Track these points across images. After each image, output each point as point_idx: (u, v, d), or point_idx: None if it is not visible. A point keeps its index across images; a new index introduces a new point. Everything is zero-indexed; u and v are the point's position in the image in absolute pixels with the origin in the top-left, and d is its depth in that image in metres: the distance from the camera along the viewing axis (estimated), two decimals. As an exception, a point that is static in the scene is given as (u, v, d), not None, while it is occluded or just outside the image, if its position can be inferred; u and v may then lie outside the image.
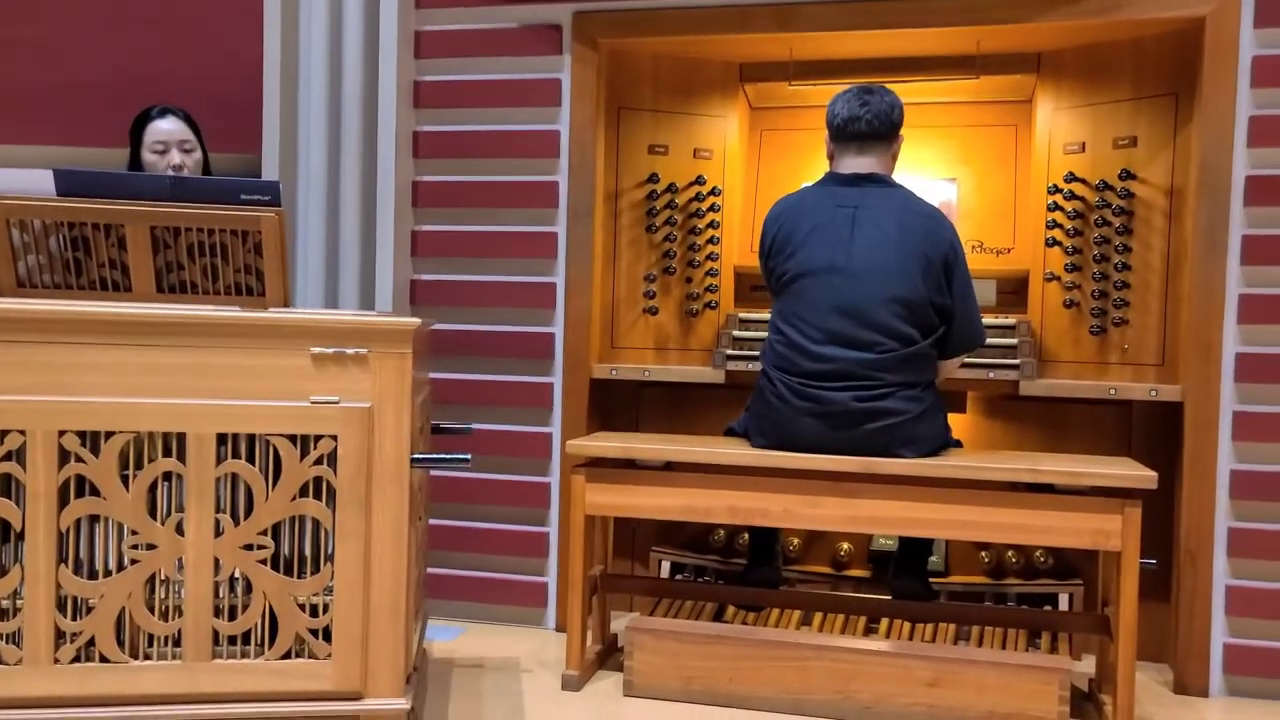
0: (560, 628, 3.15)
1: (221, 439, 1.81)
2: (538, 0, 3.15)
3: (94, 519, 1.81)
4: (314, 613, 1.85)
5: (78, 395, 1.77)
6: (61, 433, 1.76)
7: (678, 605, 3.02)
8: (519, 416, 3.20)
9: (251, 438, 1.82)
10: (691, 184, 3.28)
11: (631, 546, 3.37)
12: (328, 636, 1.85)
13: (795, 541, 3.33)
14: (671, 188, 3.28)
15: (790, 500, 2.48)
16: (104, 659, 1.78)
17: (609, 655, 2.86)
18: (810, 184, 2.69)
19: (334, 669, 1.84)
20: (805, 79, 3.25)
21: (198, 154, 2.79)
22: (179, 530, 1.80)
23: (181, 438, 1.80)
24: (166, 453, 1.80)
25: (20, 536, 1.76)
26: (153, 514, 1.81)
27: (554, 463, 3.17)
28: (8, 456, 1.75)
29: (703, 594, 2.91)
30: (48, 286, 2.29)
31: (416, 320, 1.87)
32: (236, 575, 1.84)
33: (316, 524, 1.87)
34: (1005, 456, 2.56)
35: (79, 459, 1.77)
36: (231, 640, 1.84)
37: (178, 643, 1.81)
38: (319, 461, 1.84)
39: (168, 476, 1.82)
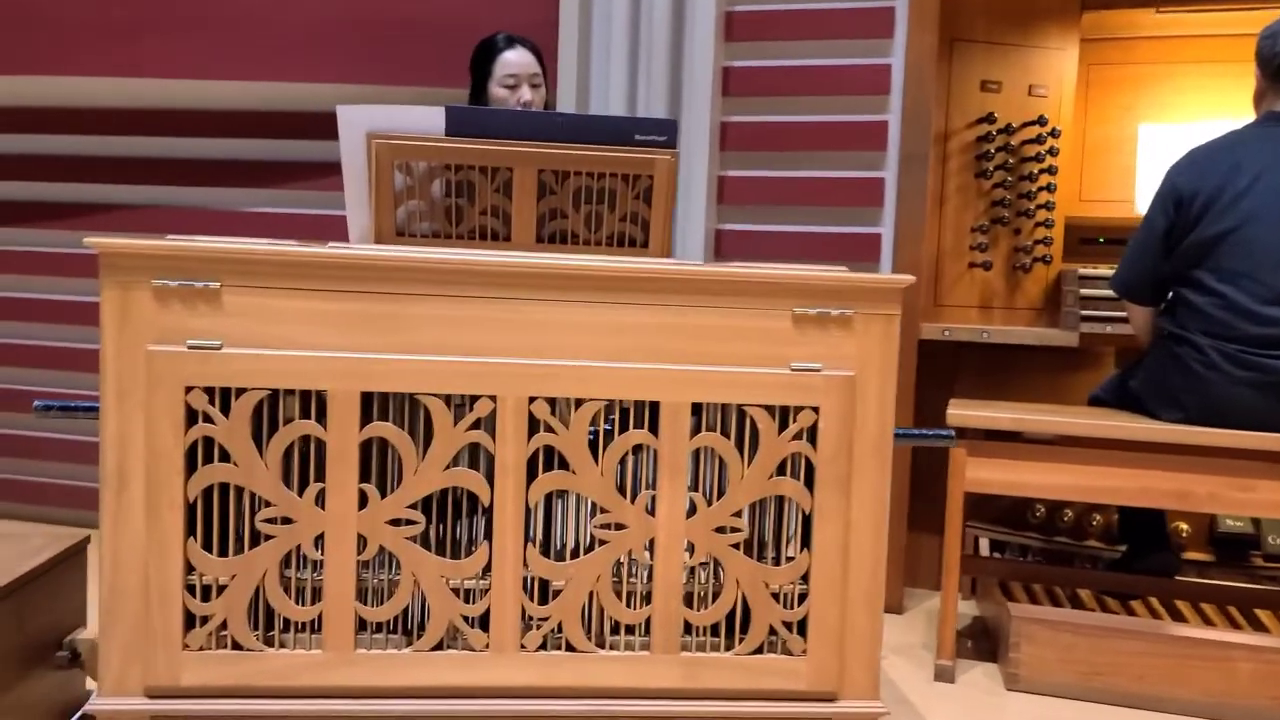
0: (890, 609, 2.94)
1: (694, 409, 1.62)
2: (872, -81, 2.86)
3: (555, 495, 1.64)
4: (786, 603, 1.66)
5: (549, 358, 1.59)
6: (531, 399, 1.58)
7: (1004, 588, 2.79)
8: (836, 378, 2.96)
9: (725, 408, 1.63)
10: (1028, 124, 2.97)
11: (937, 520, 3.14)
12: (801, 630, 1.66)
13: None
14: (1007, 128, 2.97)
15: (1217, 482, 2.20)
16: (570, 647, 1.62)
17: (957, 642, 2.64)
18: (1237, 128, 2.36)
19: (809, 666, 1.65)
20: (1174, 5, 2.90)
21: (544, 90, 2.59)
22: (649, 509, 1.62)
23: (654, 406, 1.61)
24: (637, 423, 1.62)
25: (487, 512, 1.60)
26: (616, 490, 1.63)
27: (875, 428, 2.94)
28: (476, 424, 1.58)
29: (1075, 580, 2.66)
30: (425, 235, 2.13)
31: (909, 277, 1.64)
32: (705, 560, 1.65)
33: (784, 505, 1.67)
34: None
35: (548, 428, 1.59)
36: (697, 631, 1.66)
37: (638, 631, 1.65)
38: (798, 436, 1.63)
39: (635, 449, 1.63)
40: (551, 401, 1.60)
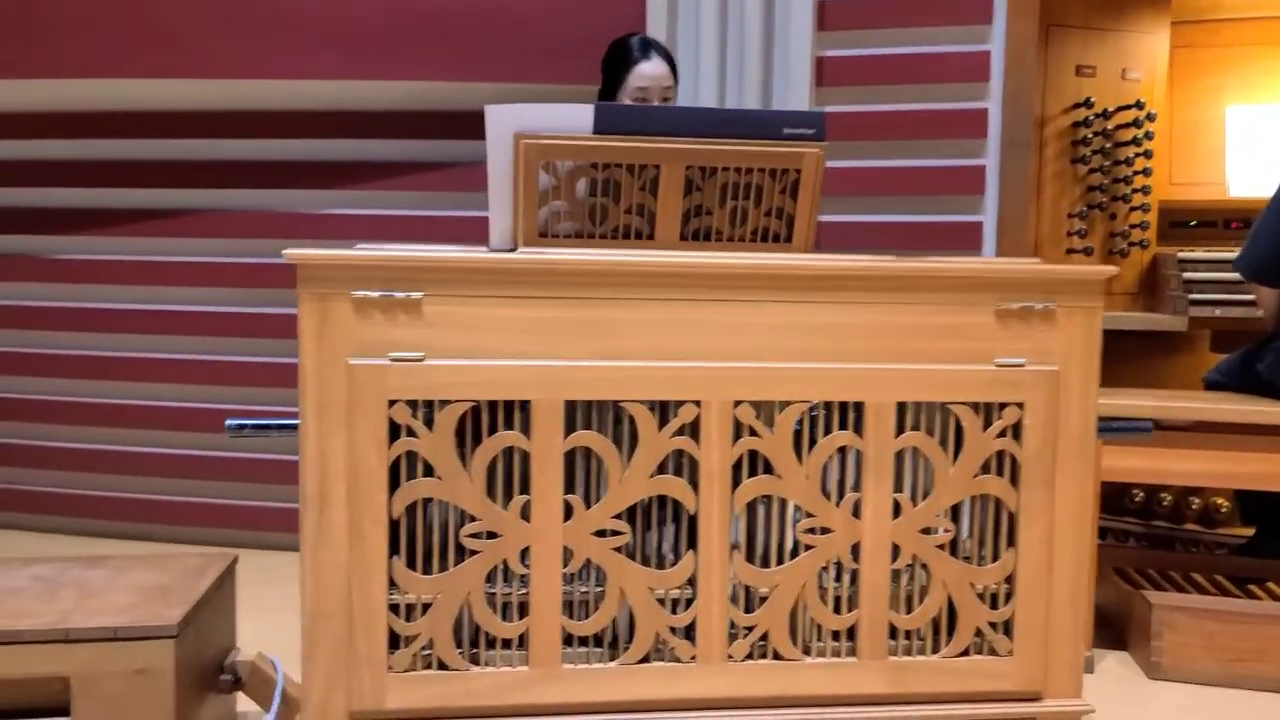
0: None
1: (898, 408, 1.58)
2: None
3: (759, 500, 1.60)
4: (991, 604, 1.63)
5: (752, 360, 1.55)
6: (736, 403, 1.54)
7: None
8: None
9: (928, 406, 1.59)
10: (1123, 108, 2.96)
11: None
12: (1007, 630, 1.63)
13: (1224, 504, 3.05)
14: (1104, 113, 2.95)
15: (1365, 466, 2.19)
16: (777, 656, 1.59)
17: (1082, 630, 2.62)
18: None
19: (1015, 667, 1.62)
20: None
21: (673, 101, 2.54)
22: (854, 512, 1.59)
23: (859, 407, 1.57)
24: (841, 424, 1.58)
25: (692, 520, 1.56)
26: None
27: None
28: (681, 430, 1.54)
29: (1196, 565, 2.64)
30: (568, 235, 2.08)
31: (1110, 269, 1.61)
32: (909, 563, 1.62)
33: (983, 504, 1.63)
34: None
35: (753, 432, 1.55)
36: (902, 635, 1.63)
37: (843, 637, 1.61)
38: (1002, 433, 1.60)
39: (838, 451, 1.60)
40: (756, 405, 1.56)
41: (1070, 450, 1.61)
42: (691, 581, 1.56)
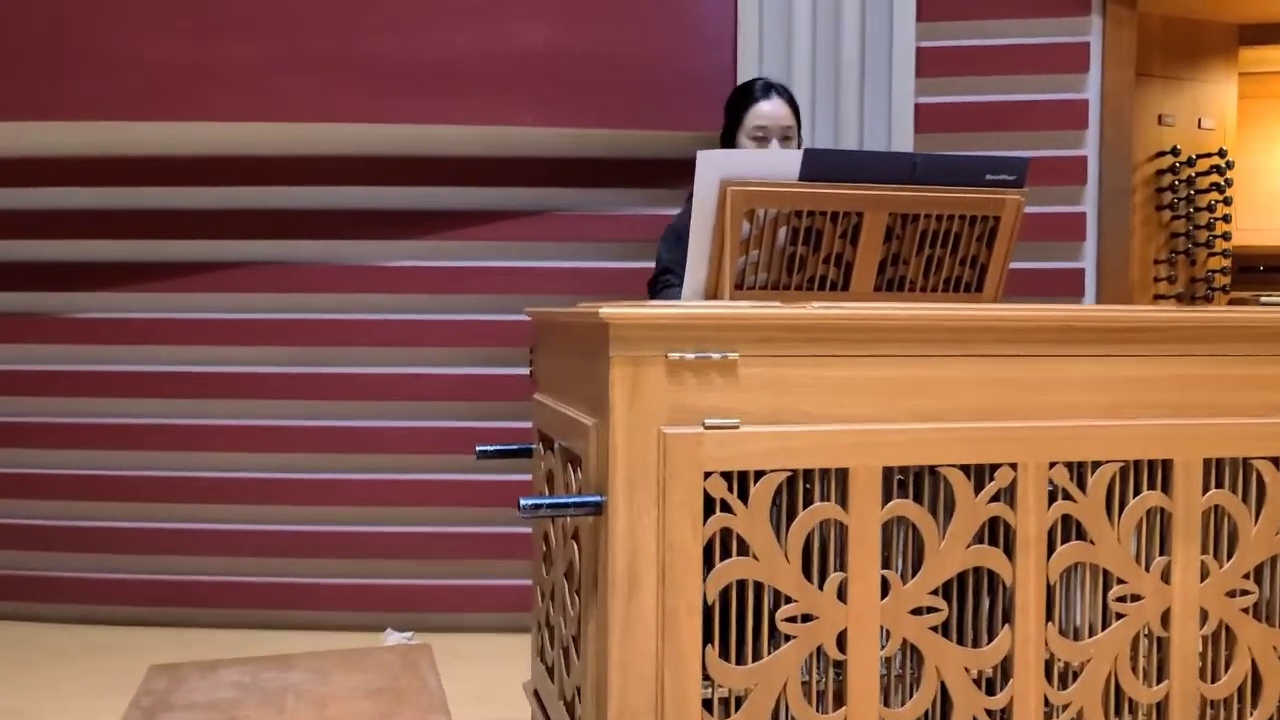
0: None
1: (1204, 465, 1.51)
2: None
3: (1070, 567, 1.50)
4: (1289, 667, 1.56)
5: (1064, 419, 1.45)
6: (1051, 464, 1.45)
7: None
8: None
9: (1223, 462, 1.52)
10: (1203, 156, 3.01)
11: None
12: (1306, 694, 1.56)
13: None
14: (1189, 161, 3.00)
15: None
16: (1091, 734, 1.48)
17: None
18: None
19: (1317, 732, 1.56)
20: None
21: (794, 142, 2.45)
22: (1164, 577, 1.50)
23: (1166, 465, 1.50)
24: (1150, 484, 1.50)
25: (1006, 592, 1.44)
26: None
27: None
28: (996, 496, 1.43)
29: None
30: (763, 287, 1.96)
31: (1395, 316, 1.58)
32: (1215, 628, 1.53)
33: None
34: None
35: (1067, 495, 1.46)
36: (1210, 705, 1.54)
37: (1153, 713, 1.51)
38: (1298, 488, 1.54)
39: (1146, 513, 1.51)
40: (1070, 466, 1.46)
41: (1361, 503, 1.57)
42: (1006, 659, 1.45)
